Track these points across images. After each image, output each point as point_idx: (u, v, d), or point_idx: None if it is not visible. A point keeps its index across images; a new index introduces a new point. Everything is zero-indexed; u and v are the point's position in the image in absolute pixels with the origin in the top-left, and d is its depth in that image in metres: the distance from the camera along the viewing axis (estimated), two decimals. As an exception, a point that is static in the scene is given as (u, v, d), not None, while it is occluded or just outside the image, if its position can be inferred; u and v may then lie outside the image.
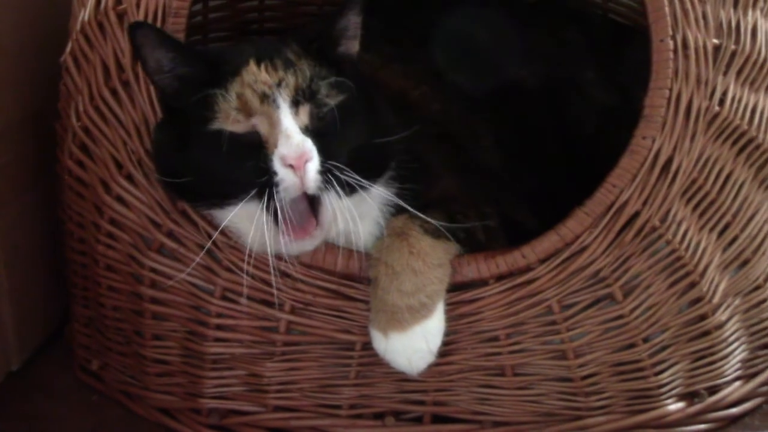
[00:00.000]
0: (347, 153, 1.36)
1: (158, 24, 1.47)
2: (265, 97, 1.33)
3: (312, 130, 1.34)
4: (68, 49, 1.61)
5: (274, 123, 1.33)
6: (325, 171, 1.33)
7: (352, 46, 1.43)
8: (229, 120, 1.33)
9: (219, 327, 1.54)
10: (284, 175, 1.32)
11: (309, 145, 1.32)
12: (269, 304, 1.50)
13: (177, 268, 1.52)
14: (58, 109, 1.67)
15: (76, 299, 1.73)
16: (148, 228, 1.52)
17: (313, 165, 1.32)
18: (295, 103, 1.34)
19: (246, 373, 1.55)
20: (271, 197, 1.33)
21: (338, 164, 1.34)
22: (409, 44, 1.75)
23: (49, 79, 1.70)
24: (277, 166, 1.32)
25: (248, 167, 1.33)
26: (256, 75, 1.35)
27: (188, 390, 1.59)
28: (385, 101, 1.48)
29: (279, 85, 1.34)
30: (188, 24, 1.48)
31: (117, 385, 1.68)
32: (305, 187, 1.33)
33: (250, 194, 1.33)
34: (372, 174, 1.40)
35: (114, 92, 1.52)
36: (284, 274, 1.48)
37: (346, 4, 1.40)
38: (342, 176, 1.34)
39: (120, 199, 1.54)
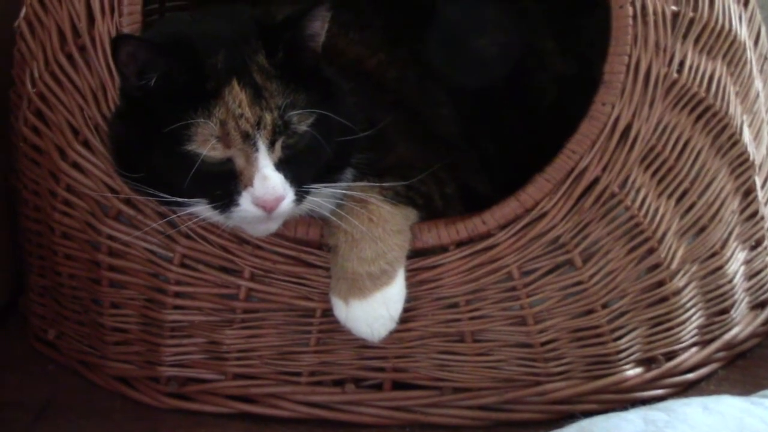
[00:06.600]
0: (319, 168, 1.37)
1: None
2: (247, 137, 1.31)
3: (285, 160, 1.33)
4: (22, 14, 1.59)
5: (251, 161, 1.31)
6: (298, 198, 1.33)
7: (319, 45, 1.39)
8: (207, 147, 1.30)
9: (178, 294, 1.52)
10: (252, 210, 1.32)
11: (284, 187, 1.32)
12: (229, 271, 1.50)
13: (135, 235, 1.50)
14: (12, 76, 1.64)
15: (32, 268, 1.71)
16: (105, 195, 1.50)
17: (287, 202, 1.32)
18: (272, 143, 1.32)
19: (205, 341, 1.55)
20: (231, 212, 1.33)
21: (310, 187, 1.35)
22: (366, 12, 1.74)
23: (2, 46, 1.67)
24: (246, 201, 1.31)
25: (216, 190, 1.32)
26: (240, 103, 1.31)
27: (147, 358, 1.58)
28: (346, 78, 1.45)
29: (258, 125, 1.31)
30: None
31: (74, 354, 1.66)
32: (271, 217, 1.34)
33: (210, 207, 1.34)
34: (340, 168, 1.42)
35: (70, 57, 1.50)
36: (243, 241, 1.48)
37: (316, 5, 1.35)
38: (312, 191, 1.36)
39: (76, 166, 1.52)
